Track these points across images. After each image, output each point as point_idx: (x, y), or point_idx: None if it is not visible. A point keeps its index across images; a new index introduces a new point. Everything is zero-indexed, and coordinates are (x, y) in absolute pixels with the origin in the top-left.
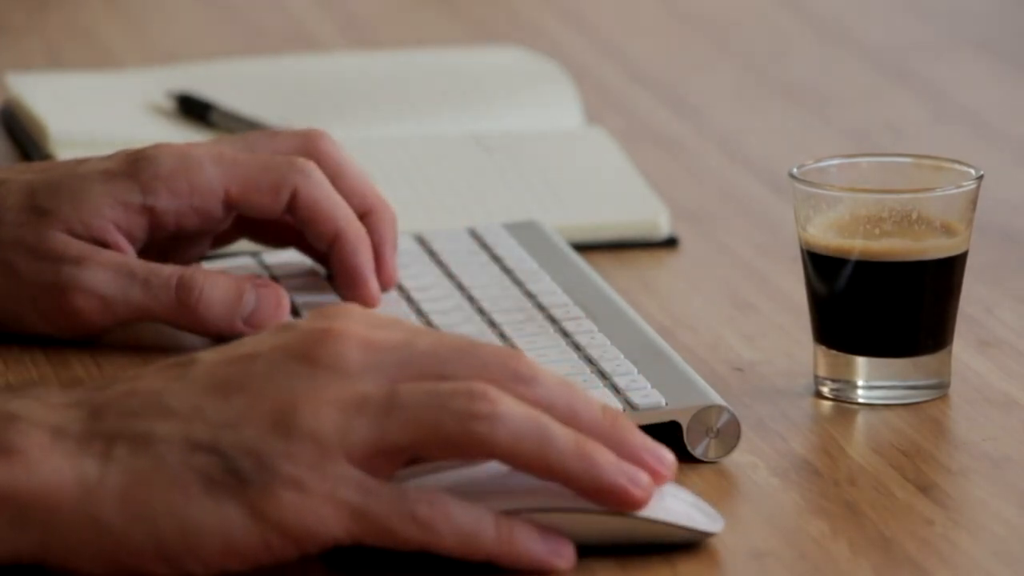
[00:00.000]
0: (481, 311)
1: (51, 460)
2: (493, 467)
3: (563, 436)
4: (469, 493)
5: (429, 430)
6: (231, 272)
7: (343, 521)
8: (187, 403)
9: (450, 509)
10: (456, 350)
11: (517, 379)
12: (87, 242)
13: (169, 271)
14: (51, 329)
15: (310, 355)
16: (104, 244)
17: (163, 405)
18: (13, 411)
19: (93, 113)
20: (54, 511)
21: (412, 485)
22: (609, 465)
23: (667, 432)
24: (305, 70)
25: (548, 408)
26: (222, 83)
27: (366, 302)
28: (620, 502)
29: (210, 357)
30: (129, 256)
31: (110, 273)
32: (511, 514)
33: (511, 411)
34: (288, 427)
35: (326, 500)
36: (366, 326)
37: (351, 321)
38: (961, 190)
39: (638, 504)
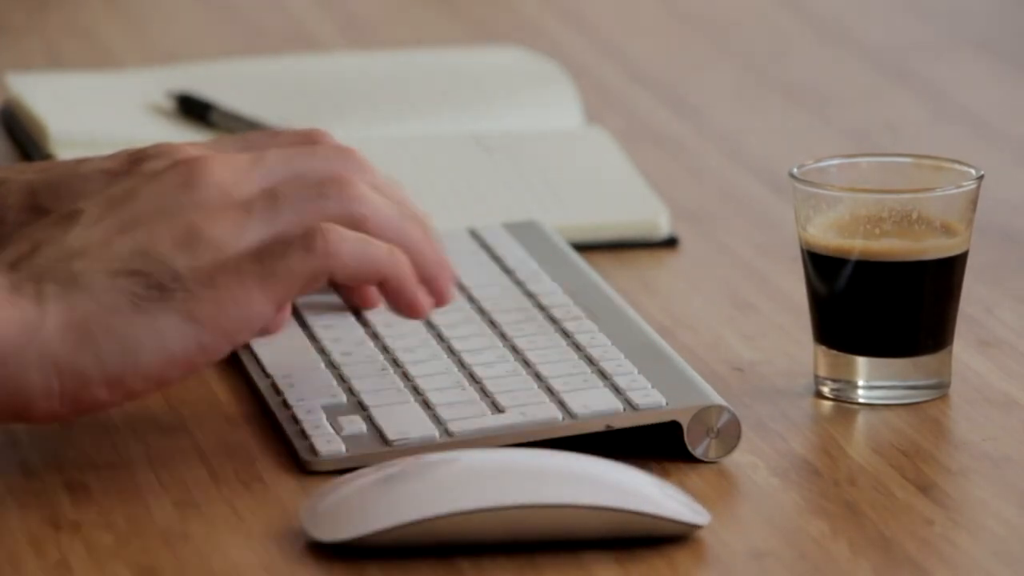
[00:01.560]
0: (481, 311)
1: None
2: (493, 463)
3: (414, 219)
4: (470, 485)
5: (314, 217)
6: None
7: (255, 292)
8: (93, 242)
9: (341, 234)
10: (301, 152)
11: (360, 169)
12: None
13: None
14: None
15: (188, 182)
16: None
17: (71, 248)
18: None
19: (93, 113)
20: (6, 355)
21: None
22: (432, 256)
23: (667, 432)
24: (305, 70)
25: (385, 194)
26: (222, 83)
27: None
28: (436, 288)
29: (92, 205)
30: None
31: None
32: (509, 508)
33: (374, 194)
34: (192, 240)
35: (237, 286)
36: (214, 150)
37: (200, 150)
38: (961, 190)
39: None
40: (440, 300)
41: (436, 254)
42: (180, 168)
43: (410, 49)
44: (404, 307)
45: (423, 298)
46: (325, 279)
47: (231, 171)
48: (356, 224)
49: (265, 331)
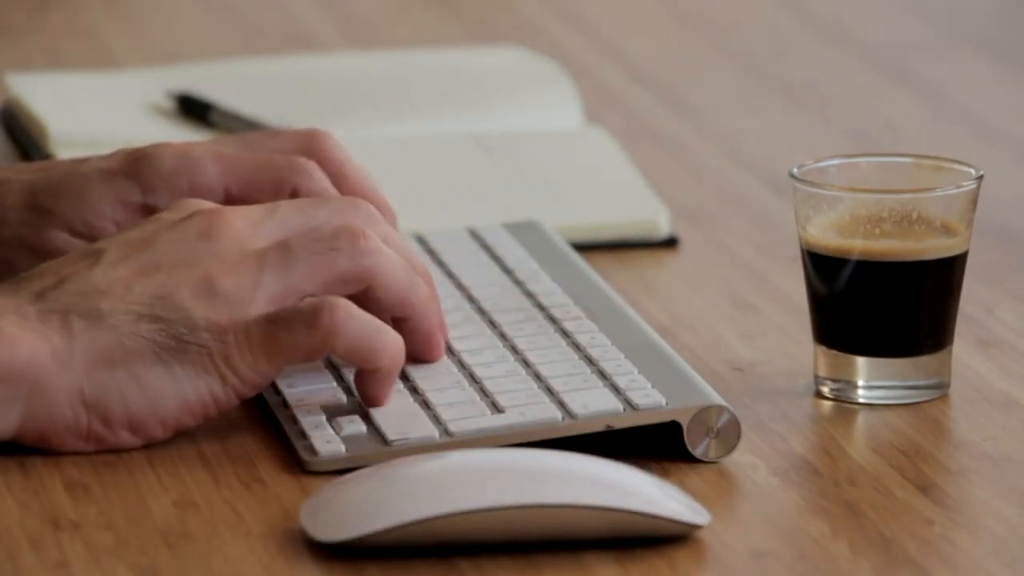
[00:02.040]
0: (481, 311)
1: (26, 337)
2: (493, 463)
3: (419, 274)
4: (470, 485)
5: (325, 270)
6: None
7: (260, 356)
8: (115, 283)
9: (349, 312)
10: (314, 203)
11: (370, 221)
12: (88, 241)
13: None
14: None
15: (206, 232)
16: None
17: (95, 285)
18: None
19: (93, 113)
20: (36, 383)
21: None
22: (436, 316)
23: (667, 432)
24: (305, 70)
25: (393, 246)
26: (222, 83)
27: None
28: (430, 348)
29: (114, 247)
30: None
31: None
32: (509, 508)
33: (385, 248)
34: (208, 291)
35: (246, 347)
36: (231, 206)
37: (216, 205)
38: (961, 190)
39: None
40: (433, 358)
41: (439, 316)
42: (199, 218)
43: (410, 49)
44: (370, 398)
45: (390, 395)
46: (327, 352)
47: (246, 223)
48: (366, 278)
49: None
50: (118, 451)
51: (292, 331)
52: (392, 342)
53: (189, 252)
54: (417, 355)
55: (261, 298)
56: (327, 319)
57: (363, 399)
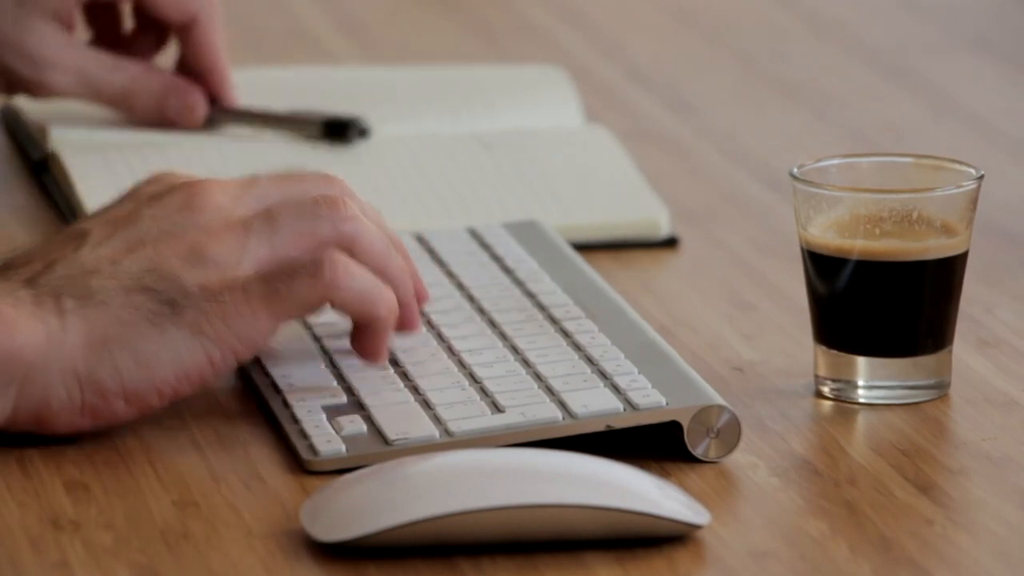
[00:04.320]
0: (481, 311)
1: (22, 321)
2: (493, 463)
3: (394, 245)
4: (470, 485)
5: (309, 235)
6: None
7: (260, 312)
8: (103, 262)
9: (349, 268)
10: (291, 177)
11: (347, 192)
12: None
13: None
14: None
15: (188, 204)
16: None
17: (84, 266)
18: None
19: (92, 111)
20: (32, 366)
21: (421, 465)
22: (412, 286)
23: (667, 432)
24: (305, 77)
25: (369, 218)
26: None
27: (223, 90)
28: (408, 318)
29: (97, 227)
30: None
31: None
32: (509, 508)
33: (364, 217)
34: (197, 258)
35: (244, 305)
36: (207, 178)
37: (194, 177)
38: (961, 190)
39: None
40: (411, 327)
41: (418, 281)
42: (180, 192)
43: (419, 64)
44: (370, 352)
45: (387, 349)
46: (326, 305)
47: (227, 195)
48: (347, 244)
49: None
50: (117, 446)
51: (294, 283)
52: (389, 294)
53: (173, 225)
54: (397, 325)
55: (249, 262)
56: (329, 271)
57: (363, 355)
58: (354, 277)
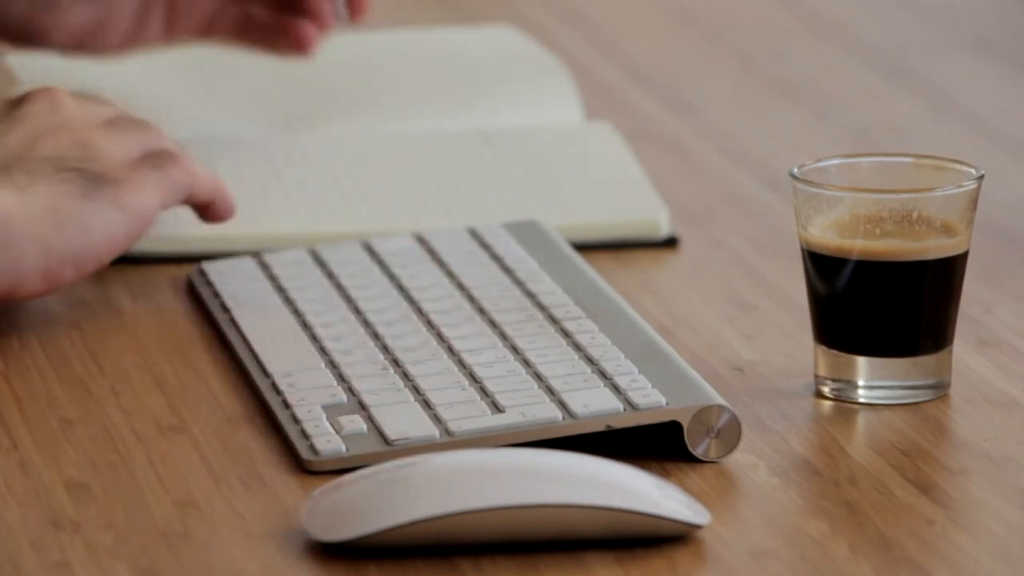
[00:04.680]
0: (481, 311)
1: (2, 194)
2: (493, 463)
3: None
4: (470, 485)
5: (154, 139)
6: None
7: (152, 191)
8: (22, 147)
9: (191, 160)
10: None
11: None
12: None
13: None
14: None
15: (55, 106)
16: None
17: (10, 149)
18: None
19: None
20: (11, 235)
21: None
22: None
23: (667, 432)
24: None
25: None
26: (222, 70)
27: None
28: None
29: None
30: None
31: None
32: (509, 508)
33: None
34: (87, 148)
35: (142, 184)
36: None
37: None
38: (961, 190)
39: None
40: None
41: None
42: (38, 96)
43: (398, 30)
44: (228, 212)
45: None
46: (188, 192)
47: (74, 99)
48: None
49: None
50: (117, 446)
51: (174, 167)
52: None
53: (52, 122)
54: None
55: (123, 152)
56: (188, 160)
57: (224, 217)
58: (196, 162)
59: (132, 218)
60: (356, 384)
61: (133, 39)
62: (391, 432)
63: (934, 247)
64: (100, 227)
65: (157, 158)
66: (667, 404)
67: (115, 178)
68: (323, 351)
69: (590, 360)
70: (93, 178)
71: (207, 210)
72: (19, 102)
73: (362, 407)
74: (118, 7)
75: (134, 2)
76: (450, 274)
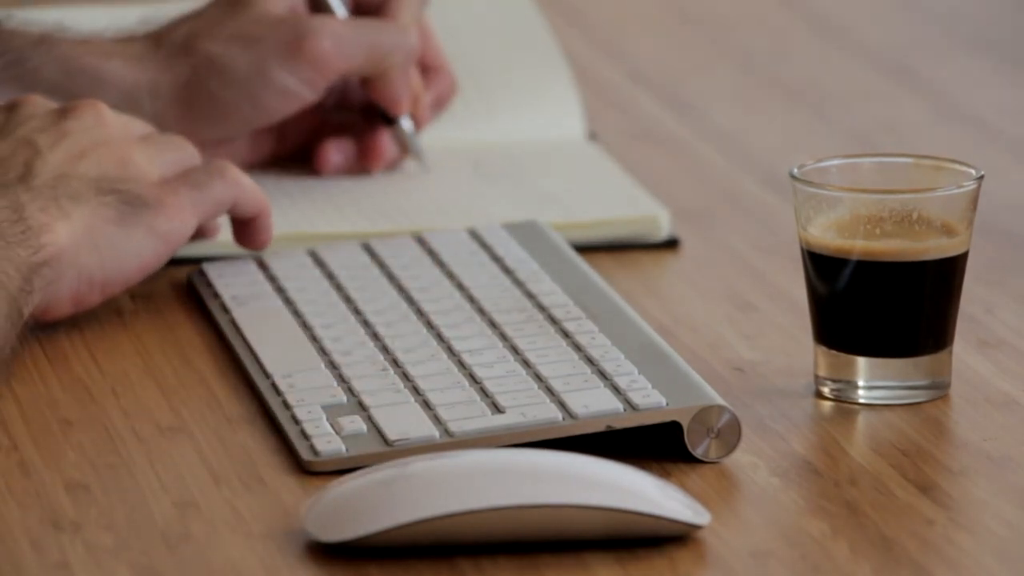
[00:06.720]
0: (481, 311)
1: (55, 224)
2: (493, 463)
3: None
4: (470, 485)
5: (190, 153)
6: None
7: (187, 211)
8: (66, 164)
9: (238, 170)
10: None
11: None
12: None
13: None
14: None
15: (99, 121)
16: None
17: (57, 170)
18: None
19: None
20: (64, 263)
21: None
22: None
23: (667, 432)
24: None
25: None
26: None
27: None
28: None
29: (38, 136)
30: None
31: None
32: (509, 508)
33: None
34: (127, 167)
35: (177, 205)
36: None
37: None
38: (961, 190)
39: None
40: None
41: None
42: (74, 109)
43: None
44: (264, 240)
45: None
46: (230, 206)
47: (114, 112)
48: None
49: (201, 235)
50: (117, 447)
51: (212, 185)
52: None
53: (96, 136)
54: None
55: (159, 169)
56: (232, 173)
57: (259, 244)
58: (247, 178)
59: (165, 244)
60: (356, 384)
61: (249, 165)
62: (391, 432)
63: (934, 247)
64: (133, 253)
65: (196, 176)
66: (667, 404)
67: (153, 201)
68: (323, 352)
69: (590, 360)
70: (131, 200)
71: (246, 227)
72: (12, 106)
73: (362, 407)
74: (236, 151)
75: (245, 142)
76: (450, 275)
